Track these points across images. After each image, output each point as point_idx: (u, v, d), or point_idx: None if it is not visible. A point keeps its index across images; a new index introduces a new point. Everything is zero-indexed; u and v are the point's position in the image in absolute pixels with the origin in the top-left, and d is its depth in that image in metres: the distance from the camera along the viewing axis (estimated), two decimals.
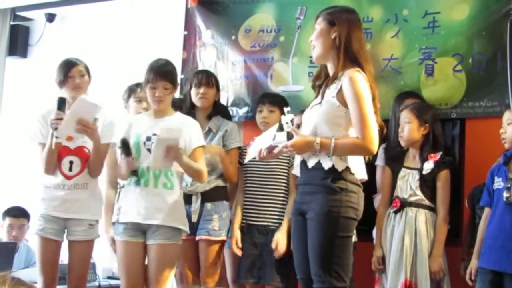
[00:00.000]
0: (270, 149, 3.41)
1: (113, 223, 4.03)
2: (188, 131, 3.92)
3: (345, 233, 3.28)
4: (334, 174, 3.28)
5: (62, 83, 4.11)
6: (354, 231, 3.85)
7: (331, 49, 3.37)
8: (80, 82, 4.12)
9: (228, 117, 4.70)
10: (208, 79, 4.50)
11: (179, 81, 4.15)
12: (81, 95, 3.98)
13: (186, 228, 3.95)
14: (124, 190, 4.01)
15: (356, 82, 3.24)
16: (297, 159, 3.53)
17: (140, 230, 3.88)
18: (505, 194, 3.65)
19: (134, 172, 3.85)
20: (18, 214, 5.35)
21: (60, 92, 4.12)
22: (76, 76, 4.12)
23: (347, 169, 3.30)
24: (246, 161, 4.06)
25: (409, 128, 4.10)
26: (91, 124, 3.91)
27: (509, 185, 3.66)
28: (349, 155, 3.31)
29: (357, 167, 3.36)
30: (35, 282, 4.12)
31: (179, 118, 4.01)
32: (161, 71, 3.90)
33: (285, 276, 4.30)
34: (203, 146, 3.99)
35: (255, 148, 3.53)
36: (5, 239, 5.28)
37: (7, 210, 5.42)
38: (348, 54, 3.34)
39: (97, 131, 3.98)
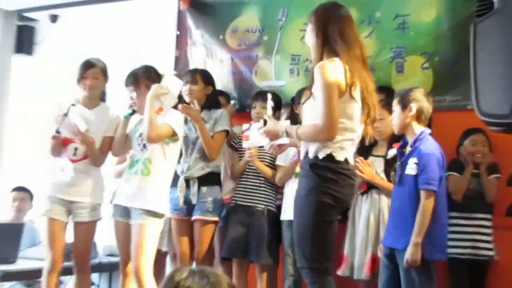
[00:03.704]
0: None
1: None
2: None
3: (320, 217, 3.11)
4: (316, 161, 3.13)
5: (79, 81, 4.11)
6: None
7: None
8: (92, 84, 4.10)
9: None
10: (193, 77, 4.45)
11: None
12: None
13: (162, 211, 3.96)
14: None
15: (319, 72, 3.04)
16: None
17: (126, 211, 3.96)
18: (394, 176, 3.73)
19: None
20: (20, 189, 5.47)
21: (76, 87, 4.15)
22: (89, 78, 4.09)
23: (329, 156, 3.11)
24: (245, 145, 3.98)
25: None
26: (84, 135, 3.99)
27: (395, 168, 3.72)
28: (311, 140, 3.14)
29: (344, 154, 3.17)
30: (43, 260, 4.12)
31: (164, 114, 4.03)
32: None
33: (272, 252, 4.30)
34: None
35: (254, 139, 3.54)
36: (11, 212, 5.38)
37: (13, 188, 5.55)
38: (326, 47, 3.16)
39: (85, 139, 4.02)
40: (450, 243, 3.97)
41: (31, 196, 5.43)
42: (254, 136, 3.40)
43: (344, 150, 3.14)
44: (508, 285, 4.16)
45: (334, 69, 3.06)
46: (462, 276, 4.12)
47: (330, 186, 3.11)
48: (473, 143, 4.20)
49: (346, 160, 3.15)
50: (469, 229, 4.11)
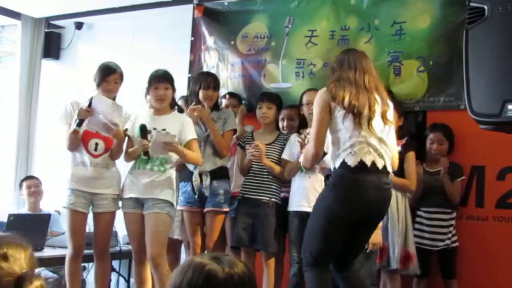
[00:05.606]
0: None
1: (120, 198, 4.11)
2: (183, 126, 3.99)
3: (323, 221, 3.23)
4: (333, 172, 3.25)
5: (99, 84, 4.07)
6: None
7: None
8: (112, 88, 4.10)
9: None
10: (216, 83, 4.41)
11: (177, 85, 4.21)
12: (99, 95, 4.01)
13: (174, 201, 4.03)
14: (128, 173, 4.08)
15: (316, 97, 3.29)
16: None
17: (139, 202, 3.96)
18: None
19: (146, 153, 3.91)
20: (30, 177, 5.54)
21: (94, 89, 4.11)
22: (110, 82, 4.08)
23: (342, 164, 3.17)
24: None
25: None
26: (114, 129, 3.93)
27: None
28: (305, 158, 3.36)
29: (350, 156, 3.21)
30: (66, 247, 4.10)
31: (175, 116, 4.08)
32: (163, 75, 4.01)
33: (277, 241, 4.26)
34: (195, 139, 4.05)
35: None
36: (26, 200, 5.40)
37: (22, 179, 5.60)
38: (335, 75, 3.31)
39: (119, 134, 3.99)
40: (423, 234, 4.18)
41: (40, 182, 5.45)
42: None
43: (356, 154, 3.16)
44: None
45: (319, 96, 3.26)
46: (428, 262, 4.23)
47: (334, 197, 3.20)
48: (431, 141, 4.28)
49: (362, 163, 3.15)
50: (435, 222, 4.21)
